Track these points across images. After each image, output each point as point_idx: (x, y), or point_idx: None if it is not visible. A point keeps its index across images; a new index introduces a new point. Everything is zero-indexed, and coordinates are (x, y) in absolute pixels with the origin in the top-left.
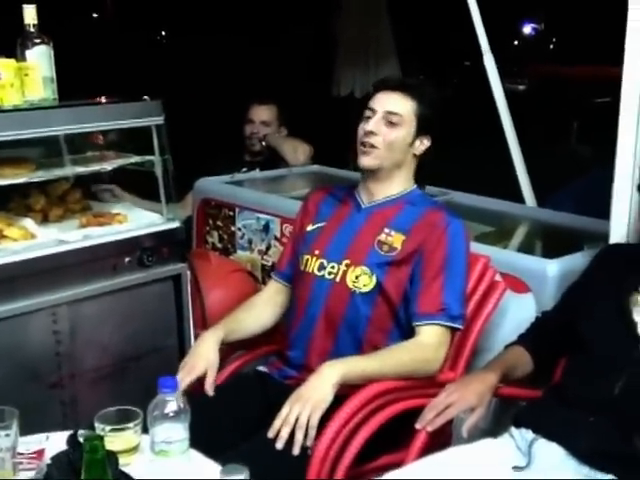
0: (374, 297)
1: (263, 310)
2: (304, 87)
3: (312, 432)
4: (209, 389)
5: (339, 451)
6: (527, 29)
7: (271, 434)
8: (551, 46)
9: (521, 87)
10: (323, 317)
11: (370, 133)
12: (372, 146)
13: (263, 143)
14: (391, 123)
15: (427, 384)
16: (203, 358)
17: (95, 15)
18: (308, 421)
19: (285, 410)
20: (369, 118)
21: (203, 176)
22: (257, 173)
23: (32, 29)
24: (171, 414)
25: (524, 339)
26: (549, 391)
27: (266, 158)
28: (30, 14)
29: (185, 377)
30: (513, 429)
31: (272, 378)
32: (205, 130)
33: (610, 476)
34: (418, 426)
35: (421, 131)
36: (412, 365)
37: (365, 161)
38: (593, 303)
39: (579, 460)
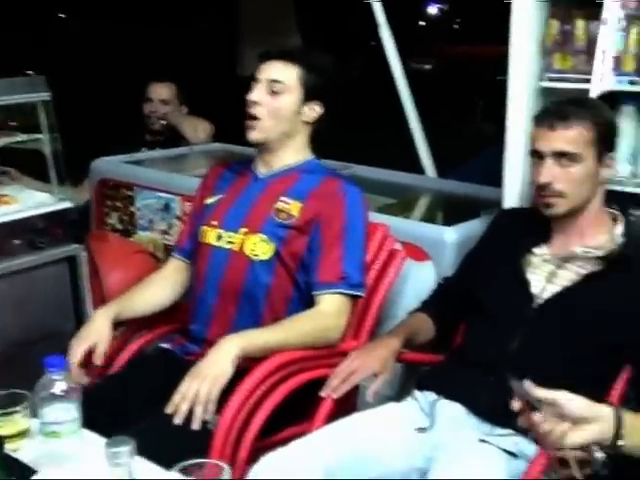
0: (273, 265)
1: (160, 288)
2: (210, 67)
3: (211, 406)
4: (97, 359)
5: (243, 425)
6: (432, 9)
7: (169, 410)
8: (455, 26)
9: (427, 67)
10: (222, 288)
11: (254, 103)
12: (255, 118)
13: (163, 122)
14: (274, 92)
15: (330, 354)
16: (94, 331)
17: None
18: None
19: (184, 385)
20: (253, 90)
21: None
22: (157, 152)
23: None
24: (60, 394)
25: (426, 305)
26: (451, 355)
27: (167, 137)
28: None
29: (74, 351)
30: (416, 392)
31: (174, 354)
32: (105, 112)
33: (509, 430)
34: (323, 394)
35: (309, 97)
36: (313, 334)
37: (251, 135)
38: (489, 266)
39: (480, 418)
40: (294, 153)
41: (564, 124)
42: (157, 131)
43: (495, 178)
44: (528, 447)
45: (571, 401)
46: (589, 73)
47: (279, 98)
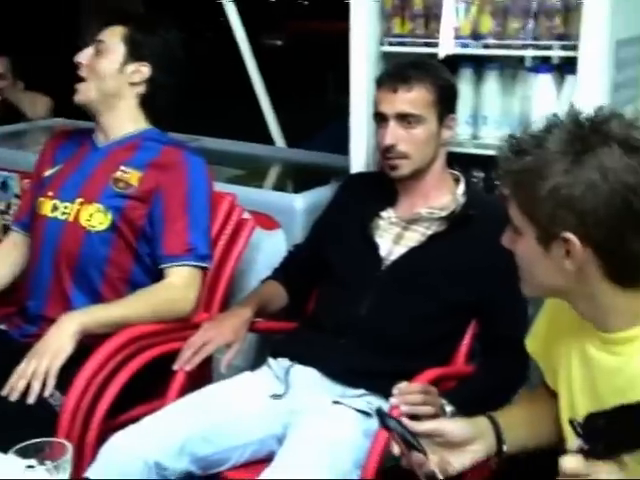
0: (111, 236)
1: None
2: (46, 39)
3: (51, 381)
4: None
5: (91, 404)
6: None
7: (4, 391)
8: (305, 2)
9: (279, 42)
10: (58, 260)
11: (79, 64)
12: (81, 80)
13: None
14: (98, 51)
15: (181, 327)
16: None
17: None
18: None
19: (22, 365)
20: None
21: None
22: None
23: None
24: None
25: (277, 273)
26: (304, 321)
27: (3, 113)
28: None
29: None
30: (270, 360)
31: (11, 337)
32: None
33: (361, 390)
34: (176, 367)
35: (133, 57)
36: (161, 307)
37: (76, 97)
38: (338, 231)
39: (333, 380)
40: (129, 121)
41: (406, 86)
42: None
43: (344, 146)
44: (381, 405)
45: (451, 425)
46: (427, 37)
47: (100, 58)
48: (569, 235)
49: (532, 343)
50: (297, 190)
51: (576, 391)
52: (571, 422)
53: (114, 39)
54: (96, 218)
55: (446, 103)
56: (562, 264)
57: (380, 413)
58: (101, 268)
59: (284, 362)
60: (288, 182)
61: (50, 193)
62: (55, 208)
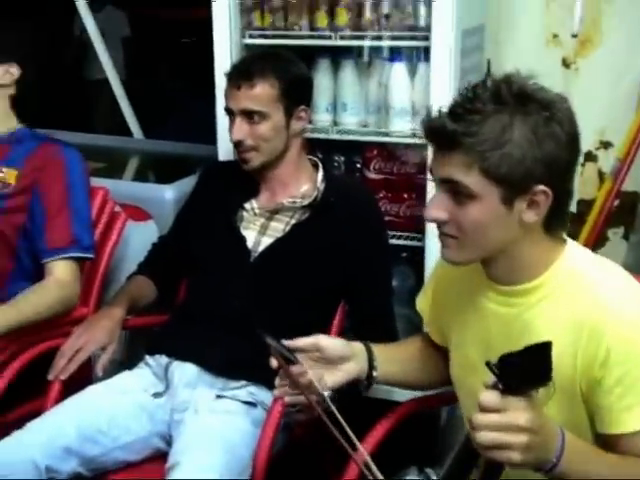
0: None
1: None
2: None
3: None
4: None
5: None
6: None
7: None
8: None
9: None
10: None
11: None
12: None
13: None
14: None
15: (61, 322)
16: None
17: None
18: None
19: None
20: None
21: None
22: None
23: None
24: None
25: (143, 267)
26: (176, 313)
27: None
28: None
29: None
30: (148, 357)
31: None
32: None
33: (242, 382)
34: (50, 377)
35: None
36: (54, 307)
37: None
38: (203, 222)
39: (213, 374)
40: (1, 122)
41: (248, 83)
42: None
43: (194, 134)
44: (264, 395)
45: (328, 341)
46: (286, 29)
47: None
48: (542, 187)
49: (421, 301)
50: (164, 181)
51: (467, 343)
52: (487, 364)
53: None
54: None
55: (294, 96)
56: (521, 219)
57: (258, 332)
58: None
59: (162, 359)
60: (152, 173)
61: None
62: None
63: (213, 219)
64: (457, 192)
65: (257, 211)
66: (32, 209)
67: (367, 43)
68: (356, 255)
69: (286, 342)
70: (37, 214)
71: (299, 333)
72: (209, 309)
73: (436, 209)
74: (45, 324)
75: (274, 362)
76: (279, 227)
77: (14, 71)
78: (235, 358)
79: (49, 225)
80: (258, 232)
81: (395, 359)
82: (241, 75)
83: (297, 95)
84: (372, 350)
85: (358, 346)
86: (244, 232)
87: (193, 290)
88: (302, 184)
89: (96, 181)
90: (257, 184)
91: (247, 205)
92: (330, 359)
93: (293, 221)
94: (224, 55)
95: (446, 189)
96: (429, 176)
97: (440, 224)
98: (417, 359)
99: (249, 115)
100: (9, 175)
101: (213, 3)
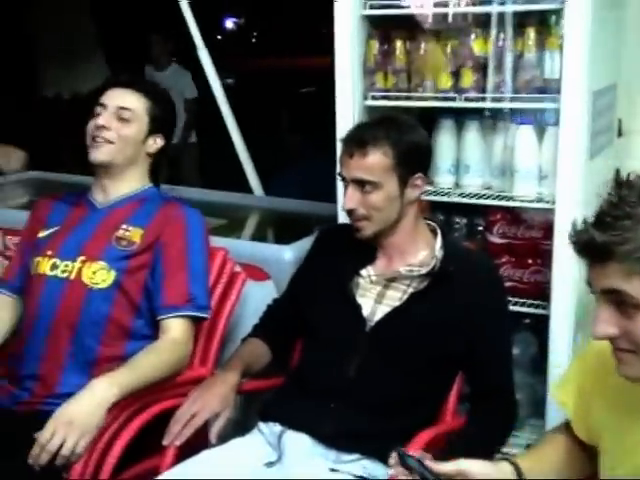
0: (113, 293)
1: None
2: (5, 90)
3: (74, 459)
4: None
5: (96, 465)
6: (229, 24)
7: (31, 461)
8: (253, 40)
9: (229, 81)
10: (58, 319)
11: (102, 127)
12: (106, 141)
13: None
14: (123, 119)
15: (179, 383)
16: None
17: None
18: None
19: (45, 434)
20: (99, 115)
21: None
22: None
23: None
24: None
25: (258, 329)
26: (289, 379)
27: None
28: None
29: None
30: (261, 424)
31: (1, 406)
32: None
33: (356, 455)
34: (165, 442)
35: (154, 130)
36: (170, 367)
37: (97, 155)
38: (317, 287)
39: (326, 446)
40: (133, 182)
41: (361, 152)
42: None
43: (311, 191)
44: (377, 469)
45: (473, 466)
46: (409, 90)
47: (128, 125)
48: None
49: (562, 394)
50: (284, 240)
51: (627, 451)
52: None
53: (140, 110)
54: (99, 275)
55: (409, 164)
56: None
57: (400, 452)
58: (101, 325)
59: (275, 427)
60: (271, 231)
61: (49, 252)
62: (55, 266)
63: (328, 285)
64: (621, 302)
65: (373, 278)
66: (153, 267)
67: (492, 105)
68: (475, 325)
69: (428, 463)
70: (157, 271)
71: (415, 405)
72: (322, 377)
73: (605, 325)
74: (162, 384)
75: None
76: (396, 296)
77: (159, 141)
78: (348, 430)
79: (166, 283)
80: (374, 300)
81: (544, 471)
82: (354, 143)
83: (413, 163)
84: (520, 468)
85: (506, 468)
86: (359, 300)
87: (306, 356)
88: (420, 251)
89: (217, 240)
90: (374, 250)
91: (363, 272)
92: None
93: (411, 290)
94: (346, 117)
95: (609, 300)
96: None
97: (612, 339)
98: (564, 463)
99: (361, 184)
100: (134, 234)
101: (336, 65)
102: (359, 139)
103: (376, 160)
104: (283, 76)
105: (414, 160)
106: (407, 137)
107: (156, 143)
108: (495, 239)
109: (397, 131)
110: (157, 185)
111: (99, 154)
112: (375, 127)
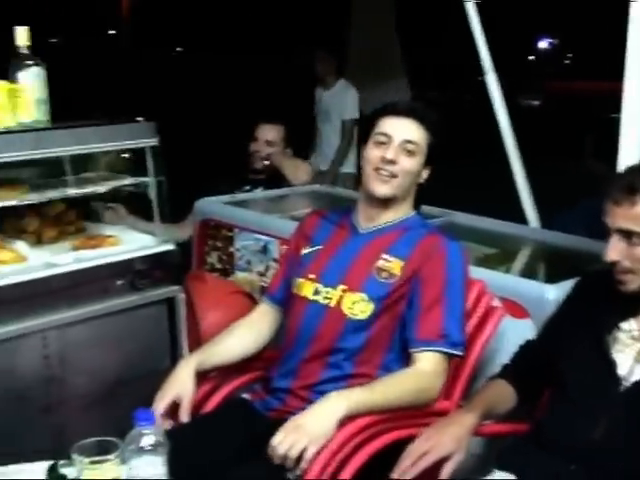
0: (370, 325)
1: (246, 334)
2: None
3: (304, 466)
4: (183, 415)
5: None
6: (543, 44)
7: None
8: (567, 61)
9: (536, 102)
10: (315, 343)
11: (391, 162)
12: (392, 175)
13: (266, 162)
14: (409, 152)
15: (421, 413)
16: (176, 384)
17: (112, 32)
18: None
19: (279, 437)
20: (383, 144)
21: (207, 194)
22: (258, 193)
23: (24, 51)
24: (148, 447)
25: (507, 370)
26: (532, 429)
27: (268, 177)
28: (22, 36)
29: (158, 404)
30: (496, 471)
31: (254, 408)
32: (214, 148)
33: None
34: (395, 476)
35: (429, 161)
36: (413, 395)
37: (383, 189)
38: (572, 336)
39: None
40: (400, 211)
41: (630, 200)
42: (258, 170)
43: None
44: None
45: None
46: None
47: (413, 159)
48: None
49: None
50: (548, 277)
51: None
52: None
53: (422, 143)
54: (358, 307)
55: None
56: None
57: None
58: (356, 354)
59: (509, 477)
60: (539, 267)
61: (311, 276)
62: (317, 292)
63: (583, 335)
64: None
65: (636, 334)
66: (410, 299)
67: None
68: None
69: None
70: (414, 304)
71: None
72: (565, 435)
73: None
74: (405, 411)
75: None
76: None
77: (427, 172)
78: None
79: (422, 316)
80: (634, 359)
81: None
82: (622, 189)
83: None
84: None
85: None
86: (616, 355)
87: (552, 408)
88: None
89: (479, 272)
90: (638, 302)
91: (624, 325)
92: None
93: None
94: (633, 130)
95: (623, 236)
96: None
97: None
98: None
99: (628, 235)
100: (395, 265)
101: (625, 79)
102: (629, 184)
103: None
104: (592, 100)
105: None
106: None
107: (426, 173)
108: None
109: None
110: (418, 211)
111: (384, 189)
112: None
